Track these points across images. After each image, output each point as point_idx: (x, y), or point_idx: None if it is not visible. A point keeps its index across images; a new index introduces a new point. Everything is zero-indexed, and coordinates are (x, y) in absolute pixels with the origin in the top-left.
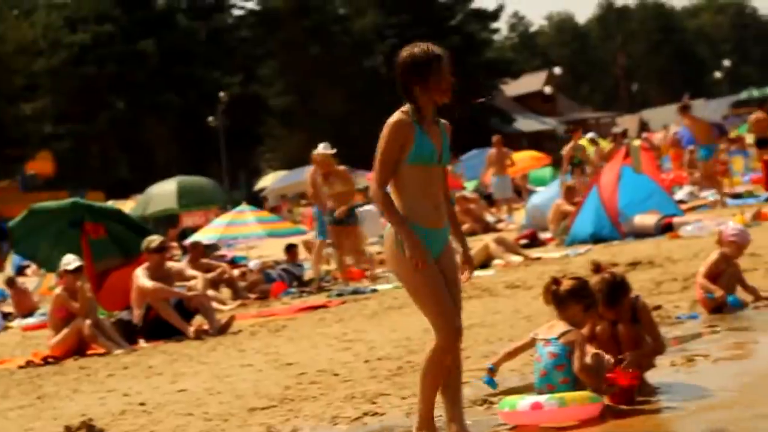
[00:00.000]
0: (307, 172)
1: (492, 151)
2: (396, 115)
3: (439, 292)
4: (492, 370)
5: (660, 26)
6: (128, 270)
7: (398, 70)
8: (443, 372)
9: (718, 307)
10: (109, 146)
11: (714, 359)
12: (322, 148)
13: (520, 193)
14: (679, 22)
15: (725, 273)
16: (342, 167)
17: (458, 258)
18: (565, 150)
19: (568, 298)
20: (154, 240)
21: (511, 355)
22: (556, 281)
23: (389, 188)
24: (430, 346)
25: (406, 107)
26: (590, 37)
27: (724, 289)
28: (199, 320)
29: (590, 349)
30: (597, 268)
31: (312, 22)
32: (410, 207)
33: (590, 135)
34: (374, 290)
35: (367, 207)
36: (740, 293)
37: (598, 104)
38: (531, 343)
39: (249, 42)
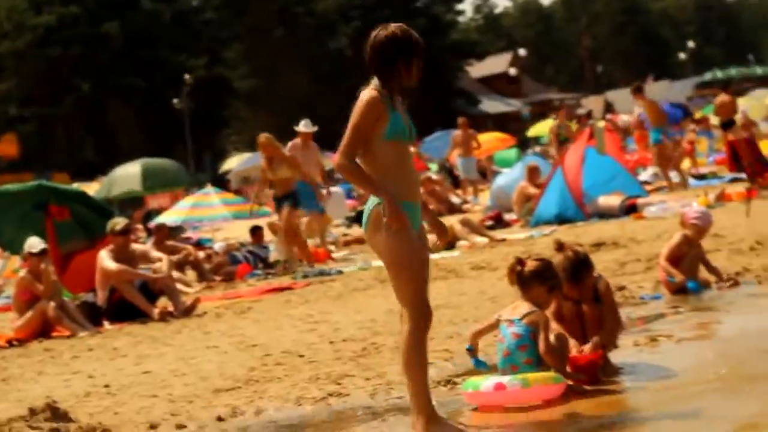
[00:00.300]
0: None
1: (458, 132)
2: (370, 92)
3: (420, 269)
4: (471, 351)
5: (624, 8)
6: (93, 252)
7: (382, 45)
8: (425, 353)
9: (680, 289)
10: (75, 128)
11: (677, 339)
12: (303, 126)
13: (486, 174)
14: (643, 4)
15: (687, 256)
16: (289, 154)
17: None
18: (552, 128)
19: (532, 279)
20: (119, 222)
21: (475, 336)
22: (520, 262)
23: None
24: (403, 335)
25: (375, 85)
26: (555, 18)
27: (686, 272)
28: (163, 302)
29: (554, 327)
30: (560, 246)
31: (277, 5)
32: (391, 183)
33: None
34: (340, 272)
35: (332, 189)
36: (704, 273)
37: (563, 85)
38: (495, 324)
39: (214, 24)
